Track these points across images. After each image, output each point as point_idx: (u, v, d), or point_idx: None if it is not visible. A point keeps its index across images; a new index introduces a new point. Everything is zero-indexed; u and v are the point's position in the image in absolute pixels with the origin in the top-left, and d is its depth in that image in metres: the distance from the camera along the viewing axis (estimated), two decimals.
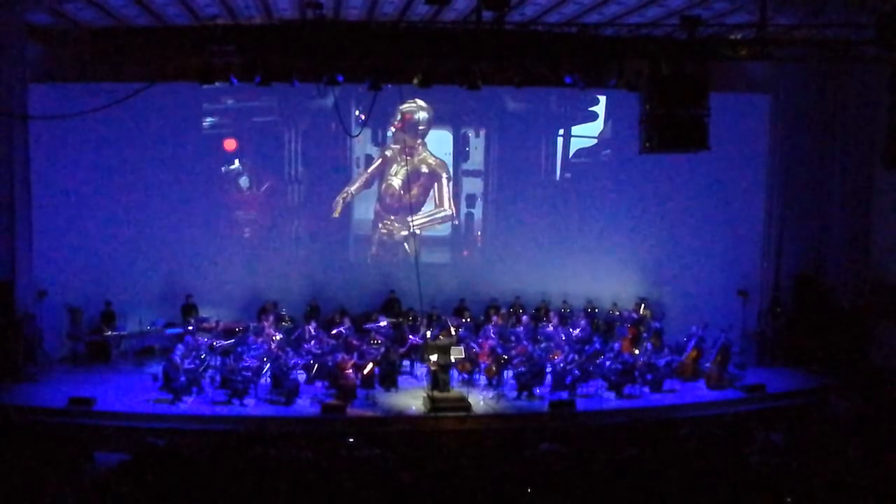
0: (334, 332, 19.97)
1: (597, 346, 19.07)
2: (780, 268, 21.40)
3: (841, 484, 10.91)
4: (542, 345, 19.30)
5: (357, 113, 22.37)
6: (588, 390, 17.90)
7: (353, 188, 22.80)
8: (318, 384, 18.07)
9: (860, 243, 20.85)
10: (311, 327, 19.83)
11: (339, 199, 22.67)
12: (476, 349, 18.94)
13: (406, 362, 19.62)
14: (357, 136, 21.73)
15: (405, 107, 22.18)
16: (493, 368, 18.43)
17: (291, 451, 12.79)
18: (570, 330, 20.41)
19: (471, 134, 23.39)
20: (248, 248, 22.70)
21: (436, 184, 23.11)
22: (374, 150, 22.93)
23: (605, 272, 22.80)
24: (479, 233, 23.62)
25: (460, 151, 23.34)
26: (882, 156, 16.79)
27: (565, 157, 23.58)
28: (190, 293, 21.31)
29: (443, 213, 23.22)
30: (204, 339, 19.19)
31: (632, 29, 17.98)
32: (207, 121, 22.36)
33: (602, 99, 22.89)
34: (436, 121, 22.86)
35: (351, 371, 17.61)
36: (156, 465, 11.54)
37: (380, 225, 23.09)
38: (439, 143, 23.18)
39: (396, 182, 22.76)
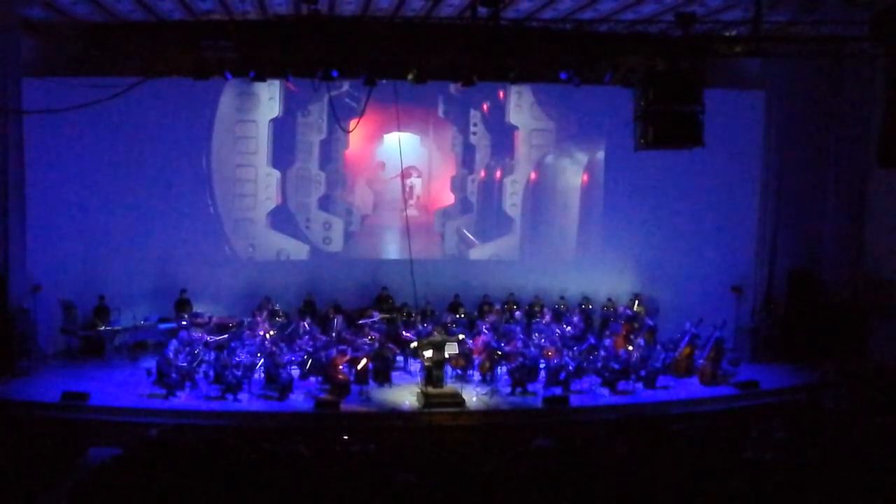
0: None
1: (591, 342, 19.12)
2: (774, 264, 21.41)
3: (836, 479, 10.92)
4: (536, 341, 19.31)
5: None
6: (582, 386, 17.93)
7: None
8: (312, 379, 18.08)
9: (854, 240, 20.94)
10: (305, 323, 19.83)
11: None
12: (470, 345, 18.94)
13: (400, 358, 19.60)
14: (352, 130, 21.70)
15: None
16: (487, 364, 18.44)
17: (285, 446, 12.76)
18: (564, 326, 20.44)
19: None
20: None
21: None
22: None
23: (600, 268, 22.85)
24: (473, 228, 23.63)
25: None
26: (877, 153, 16.79)
27: None
28: (184, 288, 21.30)
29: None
30: (198, 334, 19.18)
31: (627, 26, 18.02)
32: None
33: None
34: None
35: (345, 366, 17.63)
36: (149, 460, 11.52)
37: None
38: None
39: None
